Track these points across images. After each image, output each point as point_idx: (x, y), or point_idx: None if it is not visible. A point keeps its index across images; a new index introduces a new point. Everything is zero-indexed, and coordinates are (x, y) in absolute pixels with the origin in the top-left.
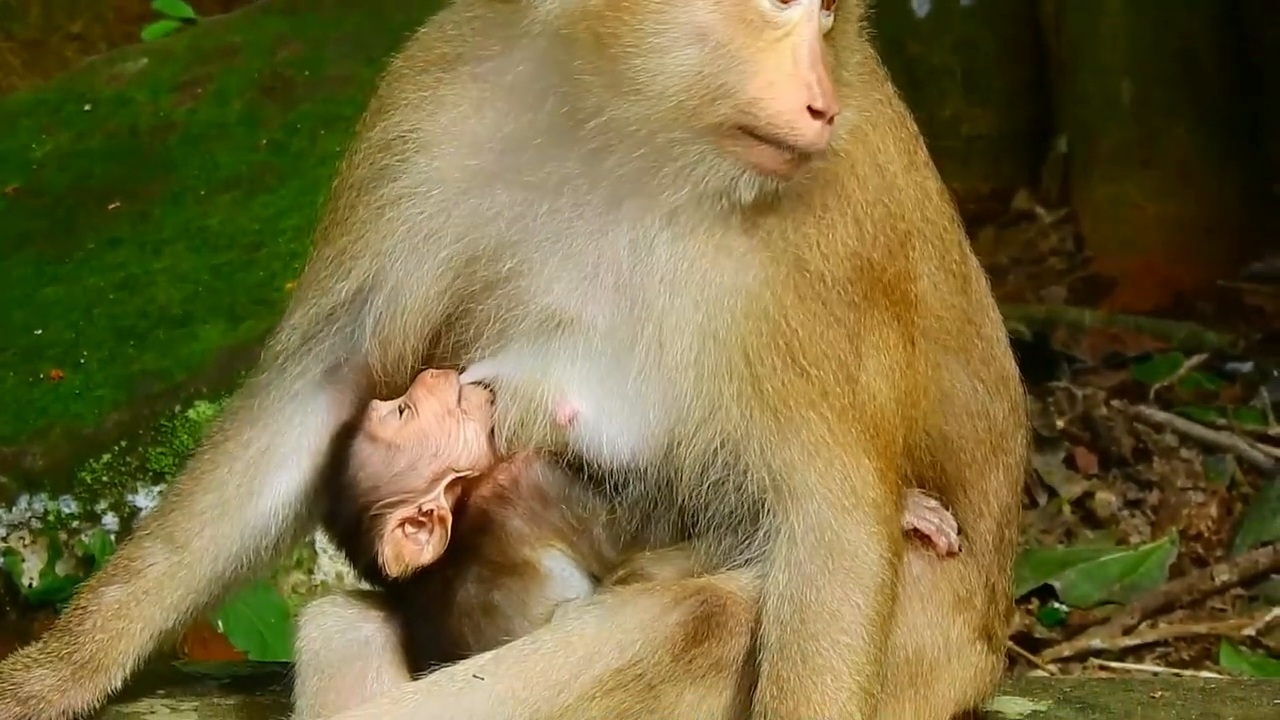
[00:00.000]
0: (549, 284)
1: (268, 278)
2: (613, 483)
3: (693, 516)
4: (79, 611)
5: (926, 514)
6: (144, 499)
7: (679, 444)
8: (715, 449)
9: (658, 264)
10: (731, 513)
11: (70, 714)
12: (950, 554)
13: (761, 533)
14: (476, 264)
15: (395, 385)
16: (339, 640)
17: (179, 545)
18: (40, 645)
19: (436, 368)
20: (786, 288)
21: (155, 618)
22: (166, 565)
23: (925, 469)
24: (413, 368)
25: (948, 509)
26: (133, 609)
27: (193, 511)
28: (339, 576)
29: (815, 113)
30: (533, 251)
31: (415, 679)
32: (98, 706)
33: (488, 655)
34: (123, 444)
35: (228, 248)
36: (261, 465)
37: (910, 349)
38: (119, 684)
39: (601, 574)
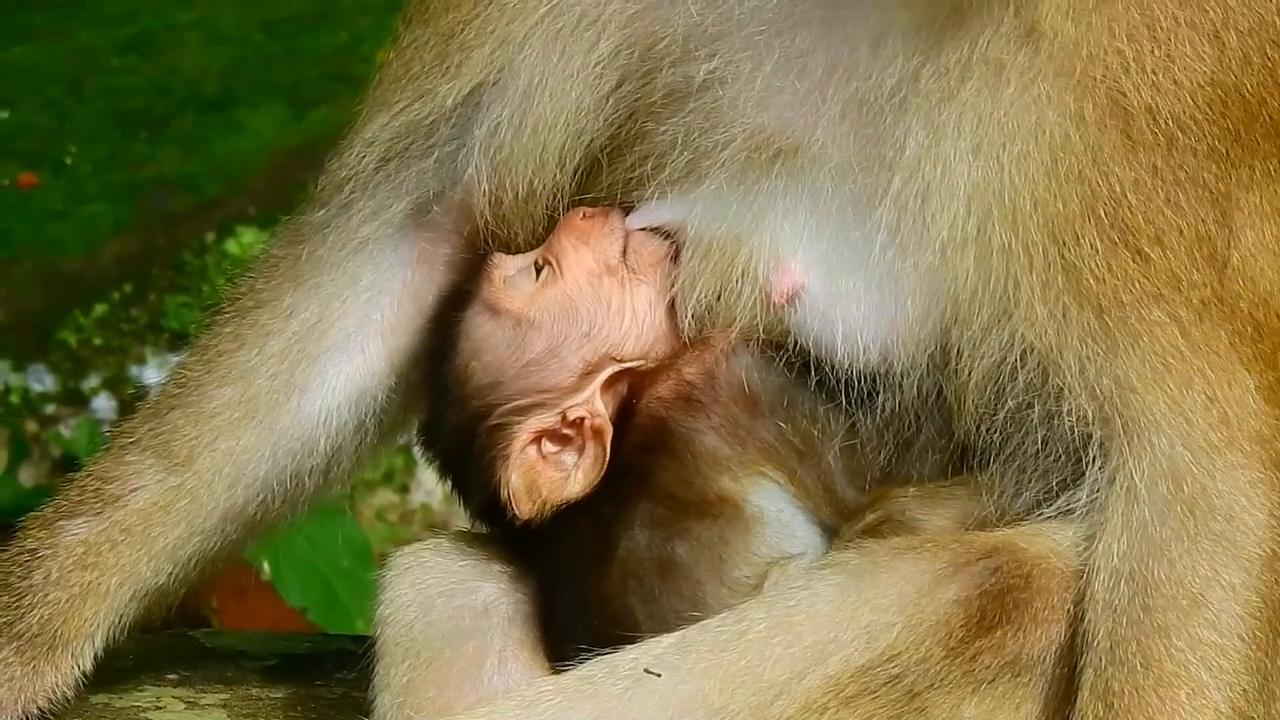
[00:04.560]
0: (764, 96)
1: (351, 41)
2: (853, 392)
3: (980, 454)
4: (26, 558)
5: None
6: (155, 372)
7: (958, 352)
8: (1014, 364)
9: (908, 77)
10: (1040, 452)
11: (23, 713)
12: None
13: (1088, 482)
14: (656, 64)
15: (514, 237)
16: (444, 607)
17: (179, 462)
18: None
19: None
20: (1104, 131)
21: (140, 568)
22: (159, 491)
23: None
24: (547, 214)
25: None
26: (106, 555)
27: (202, 412)
28: (450, 498)
29: None
30: (740, 49)
31: (556, 671)
32: (67, 695)
33: (667, 640)
34: (125, 289)
35: None
36: (309, 345)
37: None
38: (89, 664)
39: (835, 521)
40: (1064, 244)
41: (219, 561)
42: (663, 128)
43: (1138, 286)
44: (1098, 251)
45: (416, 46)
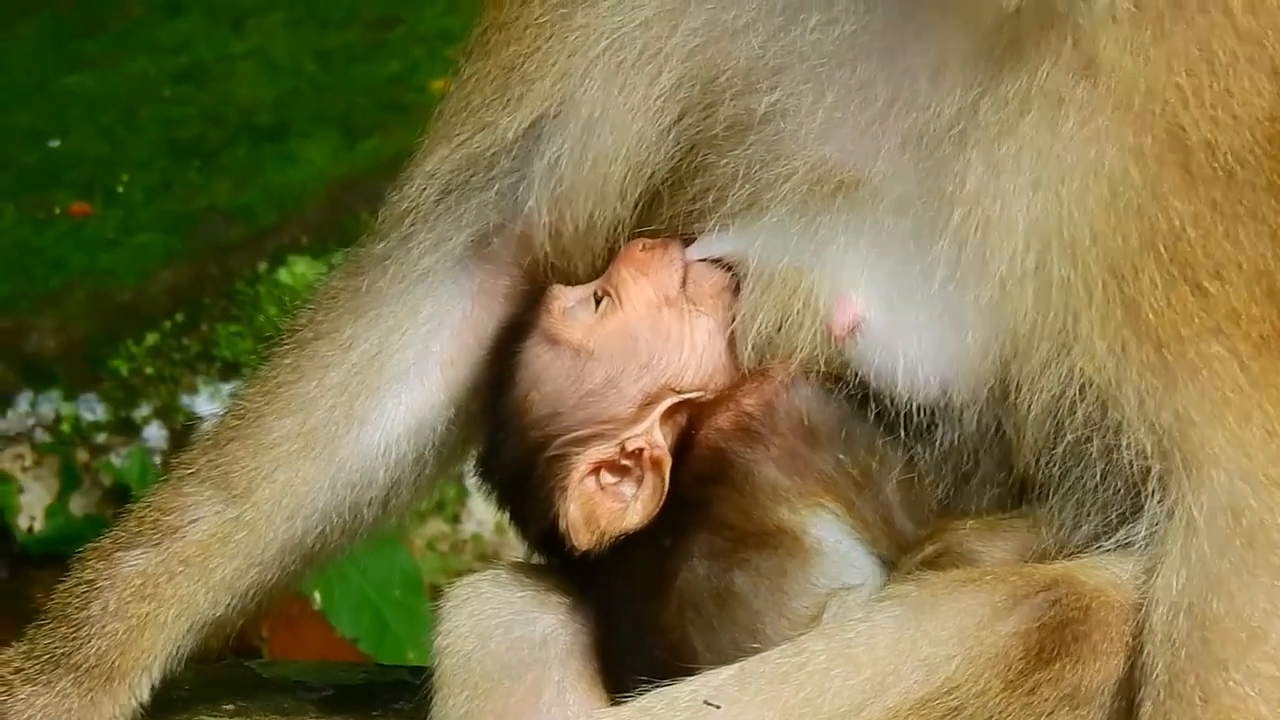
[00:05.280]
0: (825, 128)
1: (404, 70)
2: (912, 425)
3: (1039, 487)
4: (83, 589)
5: None
6: (206, 402)
7: (1017, 386)
8: (1073, 398)
9: (966, 109)
10: (1099, 485)
11: None
12: None
13: (1146, 515)
14: (717, 96)
15: (574, 269)
16: (503, 638)
17: (238, 493)
18: (25, 645)
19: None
20: (1163, 165)
21: (198, 600)
22: (217, 523)
23: None
24: (607, 247)
25: None
26: (164, 586)
27: (260, 444)
28: (501, 529)
29: None
30: (801, 81)
31: (615, 702)
32: None
33: (726, 671)
34: (177, 318)
35: (344, 23)
36: (369, 377)
37: None
38: (145, 695)
39: (894, 553)
40: (1123, 278)
41: (276, 593)
42: (724, 160)
43: (1197, 321)
44: (1157, 286)
45: (477, 79)
